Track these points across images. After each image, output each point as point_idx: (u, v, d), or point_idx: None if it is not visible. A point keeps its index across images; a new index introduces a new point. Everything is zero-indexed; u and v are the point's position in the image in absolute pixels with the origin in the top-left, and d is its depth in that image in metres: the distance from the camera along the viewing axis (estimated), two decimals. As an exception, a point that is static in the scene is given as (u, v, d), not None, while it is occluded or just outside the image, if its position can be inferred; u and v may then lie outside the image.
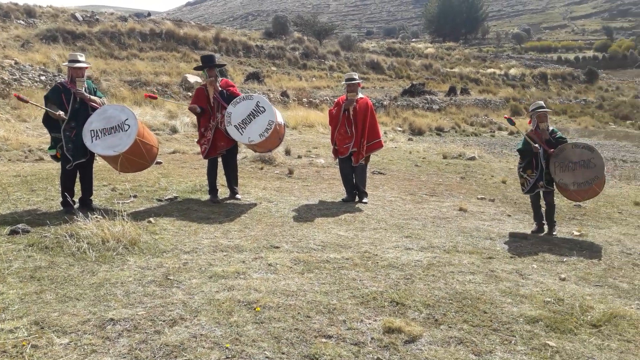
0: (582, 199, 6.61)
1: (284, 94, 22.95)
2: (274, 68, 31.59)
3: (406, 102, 29.18)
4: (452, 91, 32.52)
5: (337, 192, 7.87)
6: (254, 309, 3.47)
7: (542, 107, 6.26)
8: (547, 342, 3.25)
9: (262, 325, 3.26)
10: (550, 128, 6.27)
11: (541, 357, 3.07)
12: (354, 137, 7.20)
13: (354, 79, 7.32)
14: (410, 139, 18.48)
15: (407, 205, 7.36)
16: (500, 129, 23.37)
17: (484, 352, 3.09)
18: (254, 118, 6.46)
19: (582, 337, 3.37)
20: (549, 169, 6.07)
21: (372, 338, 3.18)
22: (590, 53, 65.02)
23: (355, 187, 7.40)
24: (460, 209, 7.12)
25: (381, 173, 10.11)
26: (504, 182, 9.71)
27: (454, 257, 4.91)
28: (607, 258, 5.22)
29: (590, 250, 5.48)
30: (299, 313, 3.47)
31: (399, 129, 21.51)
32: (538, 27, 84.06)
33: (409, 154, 13.59)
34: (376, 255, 4.85)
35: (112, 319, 3.26)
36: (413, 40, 67.84)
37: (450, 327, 3.41)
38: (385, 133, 19.35)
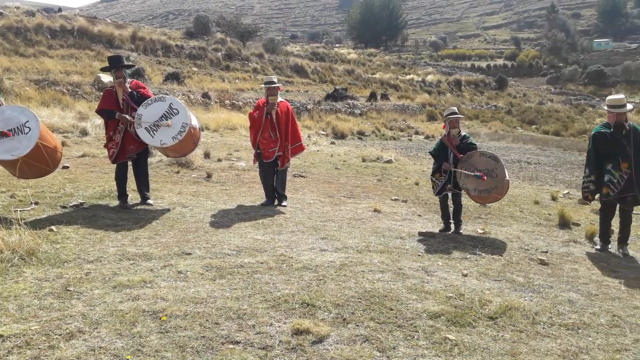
0: (484, 203, 7.02)
1: (206, 95, 22.48)
2: (195, 69, 30.85)
3: (330, 106, 29.61)
4: (372, 96, 33.42)
5: (256, 195, 7.82)
6: (160, 319, 3.37)
7: (454, 113, 6.58)
8: (447, 335, 3.42)
9: (167, 335, 3.17)
10: (462, 133, 6.60)
11: (441, 350, 3.23)
12: (279, 141, 7.20)
13: (274, 82, 7.31)
14: (332, 143, 18.76)
15: (326, 207, 7.46)
16: (417, 133, 24.35)
17: (388, 349, 3.20)
18: (167, 120, 6.28)
19: (479, 329, 3.58)
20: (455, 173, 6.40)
21: (280, 341, 3.19)
22: (500, 61, 69.48)
23: (274, 191, 7.40)
24: (375, 210, 7.33)
25: (302, 176, 10.18)
26: (416, 184, 10.12)
27: (365, 256, 5.04)
28: (507, 254, 5.59)
29: (492, 247, 5.83)
30: (207, 320, 3.41)
31: (323, 132, 21.77)
32: (454, 36, 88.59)
33: (330, 157, 13.80)
34: (291, 257, 4.87)
35: (1, 336, 3.03)
36: (336, 45, 69.03)
37: (357, 325, 3.49)
38: (309, 137, 19.52)
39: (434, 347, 3.26)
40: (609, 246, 6.03)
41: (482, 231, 6.59)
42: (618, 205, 5.89)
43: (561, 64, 69.13)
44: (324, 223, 6.42)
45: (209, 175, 9.09)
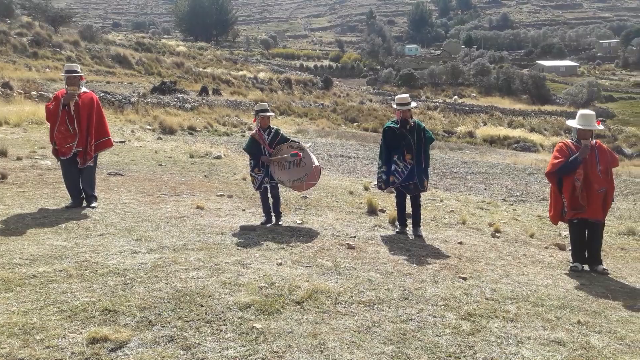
0: (301, 190, 7.36)
1: (6, 85, 19.68)
2: (-8, 55, 26.85)
3: (157, 99, 28.21)
4: (204, 91, 32.77)
5: (62, 197, 7.09)
6: None
7: (265, 110, 6.76)
8: (255, 325, 3.50)
9: None
10: (274, 128, 6.81)
11: (247, 340, 3.29)
12: (78, 136, 6.59)
13: (76, 72, 6.69)
14: (159, 138, 17.91)
15: (143, 206, 7.08)
16: (250, 129, 24.55)
17: (193, 345, 3.16)
18: None
19: (286, 314, 3.74)
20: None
21: (72, 353, 2.94)
22: (326, 62, 73.58)
23: (81, 191, 6.78)
24: (198, 207, 7.19)
25: (119, 174, 9.51)
26: (244, 179, 10.19)
27: (181, 255, 4.91)
28: (320, 241, 5.94)
29: (308, 236, 6.15)
30: (-18, 340, 2.98)
31: (149, 127, 20.66)
32: (283, 35, 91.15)
33: (154, 153, 13.14)
34: (97, 263, 4.52)
35: None
36: (164, 36, 66.00)
37: (163, 326, 3.38)
38: (132, 132, 18.36)
39: (240, 337, 3.31)
40: (407, 229, 6.80)
41: (300, 221, 6.91)
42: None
43: (379, 67, 75.86)
44: (140, 223, 6.09)
45: (3, 177, 7.96)
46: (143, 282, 4.13)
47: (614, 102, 63.42)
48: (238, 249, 5.33)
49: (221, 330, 3.40)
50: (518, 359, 3.29)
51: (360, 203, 8.50)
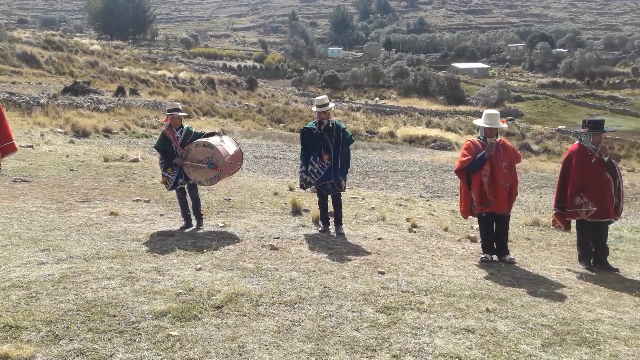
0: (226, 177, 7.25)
1: None
2: None
3: (69, 101, 26.67)
4: (120, 91, 31.39)
5: (-43, 207, 6.50)
6: None
7: (177, 109, 6.60)
8: (171, 332, 3.40)
9: None
10: (186, 127, 6.64)
11: (162, 348, 3.19)
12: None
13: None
14: (71, 142, 16.96)
15: (52, 214, 6.66)
16: (170, 130, 23.78)
17: (104, 358, 3.02)
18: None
19: (204, 320, 3.67)
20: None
21: (-34, 376, 2.70)
22: (250, 63, 72.97)
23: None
24: (112, 213, 6.87)
25: (25, 181, 8.88)
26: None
27: (93, 264, 4.67)
28: (242, 244, 5.88)
29: (230, 239, 6.07)
30: None
31: (60, 130, 19.47)
32: (205, 34, 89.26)
33: (65, 157, 12.40)
34: (-3, 276, 4.19)
35: None
36: (77, 34, 62.43)
37: (71, 339, 3.20)
38: (42, 135, 17.24)
39: (155, 346, 3.21)
40: (329, 227, 6.90)
41: (222, 224, 6.80)
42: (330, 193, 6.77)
43: (303, 68, 76.36)
44: (47, 233, 5.72)
45: None
46: (50, 295, 3.88)
47: (522, 102, 68.11)
48: (154, 256, 5.15)
49: (135, 340, 3.27)
50: (431, 348, 3.44)
51: (285, 204, 8.52)
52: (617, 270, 5.98)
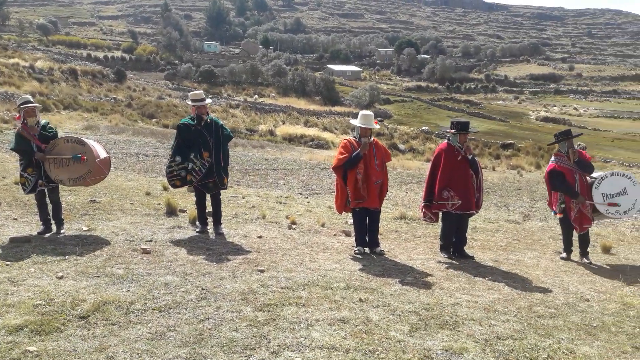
0: (86, 185, 6.75)
1: None
2: None
3: None
4: (-39, 80, 27.51)
5: None
6: None
7: (28, 101, 5.99)
8: (28, 348, 3.08)
9: None
10: (42, 122, 6.06)
11: (17, 367, 2.88)
12: None
13: None
14: None
15: None
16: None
17: (-58, 386, 2.63)
18: None
19: (68, 332, 3.37)
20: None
21: None
22: (118, 53, 68.40)
23: None
24: (-48, 219, 6.01)
25: None
26: (16, 183, 8.83)
27: None
28: (110, 248, 5.49)
29: (96, 244, 5.63)
30: None
31: None
32: (66, 21, 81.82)
33: None
34: None
35: None
36: None
37: None
38: None
39: (8, 366, 2.88)
40: (208, 227, 6.73)
41: (87, 228, 6.29)
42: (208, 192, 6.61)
43: (177, 62, 73.51)
44: None
45: None
46: None
47: (391, 104, 72.63)
48: (7, 265, 4.62)
49: (-17, 362, 2.90)
50: (308, 342, 3.53)
51: (159, 204, 8.14)
52: (472, 258, 6.63)
